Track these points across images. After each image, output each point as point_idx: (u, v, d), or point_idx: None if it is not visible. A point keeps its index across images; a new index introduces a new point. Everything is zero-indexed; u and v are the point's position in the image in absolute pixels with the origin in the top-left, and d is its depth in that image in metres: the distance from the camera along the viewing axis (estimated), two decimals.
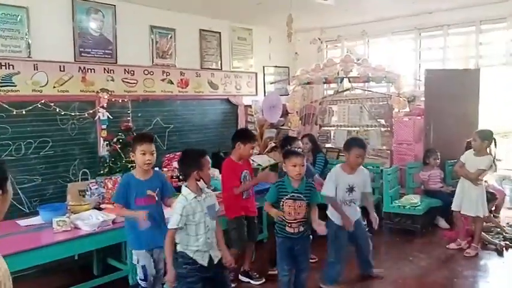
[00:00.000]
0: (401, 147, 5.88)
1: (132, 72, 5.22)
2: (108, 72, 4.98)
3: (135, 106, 5.17)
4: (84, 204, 3.78)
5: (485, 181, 4.64)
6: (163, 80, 5.60)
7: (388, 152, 6.10)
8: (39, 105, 4.34)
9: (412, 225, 5.08)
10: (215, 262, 2.82)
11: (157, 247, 3.06)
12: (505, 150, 5.88)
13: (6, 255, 1.50)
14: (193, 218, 2.72)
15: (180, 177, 4.68)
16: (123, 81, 5.13)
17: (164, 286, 3.25)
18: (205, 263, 2.77)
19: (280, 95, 6.78)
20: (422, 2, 5.67)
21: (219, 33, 6.35)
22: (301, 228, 3.17)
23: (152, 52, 5.48)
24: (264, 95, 7.00)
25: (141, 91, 5.33)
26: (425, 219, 5.14)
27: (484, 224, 4.68)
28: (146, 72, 5.39)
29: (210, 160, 2.89)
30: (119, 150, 4.58)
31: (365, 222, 4.99)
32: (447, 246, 4.61)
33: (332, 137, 6.81)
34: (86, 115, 4.73)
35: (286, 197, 3.13)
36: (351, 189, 3.56)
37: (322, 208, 3.56)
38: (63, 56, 4.59)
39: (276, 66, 7.39)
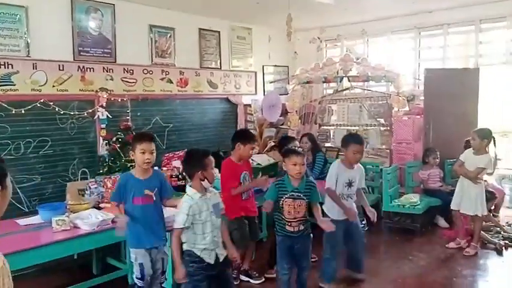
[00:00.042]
0: (400, 146, 5.88)
1: (131, 71, 5.21)
2: (107, 72, 4.97)
3: (134, 105, 5.17)
4: (83, 203, 3.77)
5: (484, 180, 4.64)
6: (162, 79, 5.60)
7: (388, 151, 6.10)
8: (39, 105, 4.34)
9: (411, 225, 5.08)
10: (221, 260, 2.85)
11: (156, 246, 3.06)
12: (504, 149, 5.87)
13: (6, 254, 1.50)
14: (199, 217, 2.75)
15: (180, 176, 4.69)
16: (122, 80, 5.13)
17: (163, 285, 3.26)
18: (212, 261, 2.80)
19: (280, 94, 6.78)
20: (422, 1, 5.67)
21: (219, 32, 6.35)
22: (301, 227, 3.17)
23: (151, 51, 5.48)
24: (264, 94, 6.99)
25: (141, 90, 5.32)
26: (425, 218, 5.14)
27: (484, 223, 4.69)
28: (145, 71, 5.39)
29: (213, 160, 2.92)
30: (118, 150, 4.57)
31: (364, 221, 5.02)
32: (446, 246, 4.62)
33: (331, 136, 6.81)
34: (85, 114, 4.73)
35: (286, 196, 3.13)
36: (349, 184, 3.58)
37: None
38: (62, 55, 4.59)
39: (275, 66, 7.39)
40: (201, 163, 2.81)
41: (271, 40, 7.11)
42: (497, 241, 4.59)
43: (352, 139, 3.60)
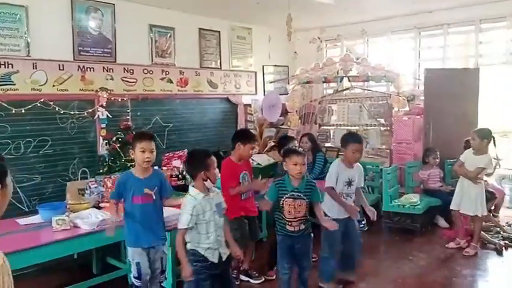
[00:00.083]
0: (400, 146, 5.88)
1: (131, 71, 5.21)
2: (107, 71, 4.97)
3: (134, 105, 5.17)
4: (83, 203, 3.77)
5: (484, 180, 4.64)
6: (162, 79, 5.60)
7: (388, 151, 6.10)
8: (39, 104, 4.34)
9: (411, 225, 5.08)
10: (223, 259, 2.88)
11: (154, 246, 3.06)
12: (504, 149, 5.87)
13: (6, 253, 1.50)
14: (203, 216, 2.78)
15: (180, 176, 4.70)
16: (122, 80, 5.13)
17: (162, 285, 3.26)
18: (215, 260, 2.83)
19: (280, 94, 6.78)
20: (422, 1, 5.67)
21: (219, 32, 6.35)
22: (302, 226, 3.18)
23: (151, 51, 5.48)
24: (264, 94, 6.99)
25: (141, 90, 5.33)
26: (425, 218, 5.14)
27: (484, 223, 4.69)
28: (145, 71, 5.39)
29: (215, 160, 2.94)
30: (118, 149, 4.57)
31: (364, 221, 5.02)
32: (446, 246, 4.62)
33: (331, 136, 6.81)
34: (85, 114, 4.73)
35: (286, 195, 3.14)
36: (349, 183, 3.58)
37: None
38: (63, 54, 4.59)
39: (275, 66, 7.39)
40: (204, 163, 2.83)
41: (271, 40, 7.11)
42: (497, 241, 4.59)
43: (351, 138, 3.60)
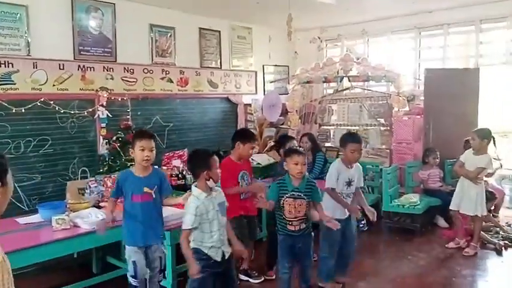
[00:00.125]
0: (400, 146, 5.88)
1: (131, 70, 5.22)
2: (107, 71, 4.98)
3: (134, 104, 5.17)
4: (83, 202, 3.77)
5: (485, 180, 4.64)
6: (162, 78, 5.60)
7: (388, 151, 6.11)
8: (39, 104, 4.35)
9: (411, 224, 5.08)
10: (226, 258, 2.90)
11: (152, 244, 3.06)
12: (504, 149, 5.87)
13: (6, 253, 1.50)
14: (206, 216, 2.79)
15: (180, 175, 4.69)
16: (122, 79, 5.13)
17: (162, 284, 3.26)
18: (219, 258, 2.85)
19: (280, 94, 6.78)
20: (422, 1, 5.67)
21: (219, 32, 6.35)
22: (303, 226, 3.18)
23: (152, 50, 5.49)
24: (264, 93, 7.00)
25: (141, 89, 5.33)
26: (425, 218, 5.14)
27: (483, 223, 4.69)
28: (146, 70, 5.39)
29: (217, 159, 2.95)
30: (118, 149, 4.58)
31: (364, 221, 5.02)
32: (446, 246, 4.62)
33: (331, 136, 6.81)
34: (86, 113, 4.74)
35: (287, 195, 3.14)
36: (349, 183, 3.57)
37: None
38: (63, 54, 4.59)
39: (275, 65, 7.39)
40: (206, 163, 2.84)
41: (272, 40, 7.11)
42: (496, 241, 4.59)
43: (350, 138, 3.60)
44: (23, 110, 4.23)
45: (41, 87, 4.40)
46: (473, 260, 4.29)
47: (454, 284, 3.82)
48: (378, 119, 6.34)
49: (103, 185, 4.07)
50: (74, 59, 4.69)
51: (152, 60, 5.49)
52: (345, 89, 6.74)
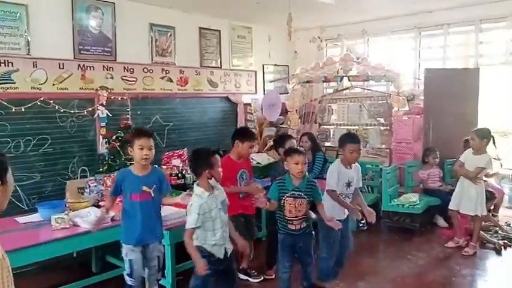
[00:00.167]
0: (400, 146, 5.88)
1: (131, 70, 5.22)
2: (107, 70, 4.98)
3: (134, 104, 5.18)
4: (83, 201, 3.77)
5: (484, 180, 4.64)
6: (162, 78, 5.60)
7: (387, 150, 6.11)
8: (38, 103, 4.35)
9: (410, 224, 5.08)
10: (228, 255, 2.95)
11: (149, 243, 3.05)
12: (504, 149, 5.87)
13: (5, 252, 1.50)
14: (210, 214, 2.82)
15: (180, 175, 4.69)
16: (122, 79, 5.13)
17: (161, 283, 3.26)
18: (221, 255, 2.89)
19: (280, 94, 6.78)
20: (422, 1, 5.67)
21: (219, 31, 6.35)
22: (303, 225, 3.20)
23: (152, 50, 5.49)
24: (264, 93, 7.00)
25: (141, 89, 5.33)
26: (424, 217, 5.14)
27: (483, 223, 4.69)
28: (145, 70, 5.39)
29: (219, 158, 2.98)
30: (118, 148, 4.58)
31: (363, 220, 5.02)
32: (446, 245, 4.62)
33: (331, 136, 6.81)
34: (85, 113, 4.74)
35: (287, 194, 3.16)
36: (348, 184, 3.57)
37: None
38: (63, 53, 4.59)
39: (275, 65, 7.39)
40: (208, 162, 2.87)
41: (272, 39, 7.11)
42: (496, 241, 4.59)
43: (348, 139, 3.60)
44: (23, 109, 4.23)
45: (40, 87, 4.40)
46: (473, 260, 4.30)
47: (454, 283, 3.82)
48: (378, 119, 6.34)
49: (103, 184, 4.07)
50: (74, 58, 4.69)
51: (152, 59, 5.49)
52: (344, 89, 6.74)
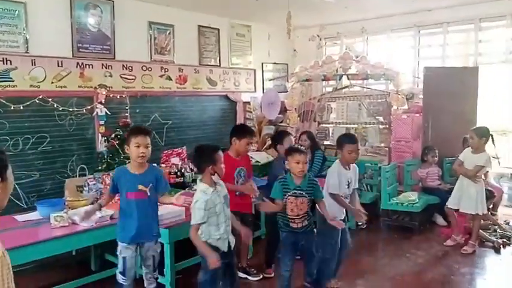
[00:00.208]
0: (399, 144, 5.88)
1: (130, 68, 5.21)
2: (106, 68, 4.97)
3: (133, 102, 5.17)
4: (81, 199, 3.77)
5: (483, 179, 4.65)
6: (161, 76, 5.59)
7: (387, 149, 6.11)
8: (37, 101, 4.34)
9: (409, 222, 5.09)
10: (232, 247, 3.00)
11: (144, 242, 3.04)
12: (503, 148, 5.88)
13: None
14: (214, 210, 2.86)
15: (179, 173, 4.69)
16: (121, 77, 5.12)
17: (159, 280, 3.26)
18: (225, 248, 2.94)
19: (279, 92, 6.78)
20: None
21: (218, 29, 6.34)
22: (305, 223, 3.22)
23: (150, 48, 5.47)
24: (263, 91, 6.99)
25: (139, 87, 5.32)
26: (423, 216, 5.14)
27: (482, 221, 4.70)
28: (144, 68, 5.38)
29: (222, 155, 3.00)
30: (117, 146, 4.57)
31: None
32: (444, 243, 4.63)
33: (330, 134, 6.81)
34: (84, 111, 4.73)
35: (289, 193, 3.18)
36: (348, 185, 3.57)
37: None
38: (61, 51, 4.58)
39: (274, 63, 7.39)
40: (212, 158, 2.89)
41: (271, 37, 7.11)
42: (495, 239, 4.60)
43: (346, 139, 3.59)
44: (22, 107, 4.22)
45: (39, 85, 4.39)
46: (472, 258, 4.30)
47: (453, 282, 3.83)
48: (377, 117, 6.34)
49: (101, 183, 4.06)
50: (73, 56, 4.68)
51: (151, 57, 5.48)
52: (344, 87, 6.74)
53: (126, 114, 5.04)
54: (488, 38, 6.06)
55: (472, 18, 6.01)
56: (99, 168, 4.50)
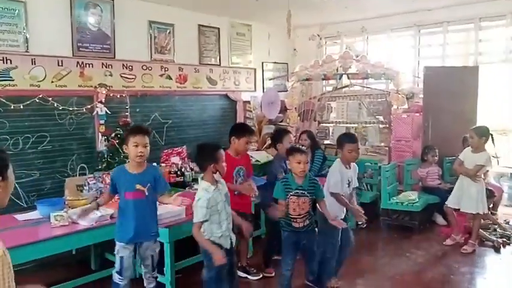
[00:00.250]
0: (399, 143, 5.88)
1: (130, 67, 5.20)
2: (106, 67, 4.96)
3: (133, 101, 5.16)
4: (81, 199, 3.77)
5: (483, 178, 4.65)
6: (161, 75, 5.59)
7: (387, 148, 6.11)
8: (37, 100, 4.33)
9: (409, 222, 5.09)
10: (233, 244, 3.04)
11: (142, 242, 3.04)
12: (503, 147, 5.88)
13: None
14: (216, 208, 2.88)
15: (179, 172, 4.68)
16: (121, 76, 5.12)
17: (158, 279, 3.26)
18: (228, 245, 2.97)
19: (279, 91, 6.77)
20: None
21: (218, 28, 6.33)
22: (307, 222, 3.25)
23: (151, 47, 5.47)
24: (263, 91, 6.99)
25: (140, 86, 5.31)
26: (423, 215, 5.15)
27: (482, 221, 4.70)
28: (144, 67, 5.38)
29: (223, 153, 3.02)
30: (117, 146, 4.56)
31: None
32: (444, 243, 4.63)
33: (331, 134, 6.81)
34: (84, 110, 4.73)
35: (291, 193, 3.20)
36: (348, 184, 3.58)
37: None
38: (61, 50, 4.58)
39: (275, 63, 7.39)
40: (213, 156, 2.91)
41: (271, 37, 7.10)
42: (495, 239, 4.60)
43: (347, 139, 3.60)
44: (22, 107, 4.21)
45: (39, 84, 4.39)
46: (472, 258, 4.31)
47: (452, 281, 3.83)
48: (377, 117, 6.34)
49: (102, 182, 4.07)
50: (73, 55, 4.67)
51: (151, 57, 5.48)
52: (344, 87, 6.74)
53: (126, 113, 5.04)
54: (488, 38, 6.06)
55: (472, 17, 6.00)
56: (99, 167, 4.50)
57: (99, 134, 4.77)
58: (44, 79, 4.42)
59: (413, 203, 5.03)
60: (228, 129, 3.95)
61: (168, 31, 5.64)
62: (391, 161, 5.81)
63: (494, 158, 4.67)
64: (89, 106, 4.75)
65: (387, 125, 6.17)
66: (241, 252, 3.91)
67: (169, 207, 3.47)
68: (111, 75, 4.99)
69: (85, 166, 4.72)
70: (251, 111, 6.70)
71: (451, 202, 4.61)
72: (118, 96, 4.98)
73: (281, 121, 6.85)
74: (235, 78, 6.66)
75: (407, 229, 5.06)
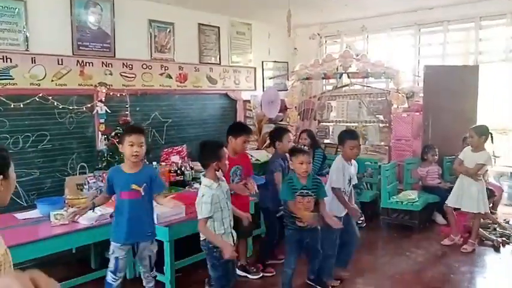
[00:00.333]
0: (399, 143, 5.88)
1: (130, 66, 5.20)
2: (106, 66, 4.96)
3: (133, 100, 5.16)
4: (81, 197, 3.77)
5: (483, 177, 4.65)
6: (161, 74, 5.58)
7: (387, 147, 6.11)
8: (37, 99, 4.33)
9: (409, 221, 5.09)
10: (235, 241, 3.06)
11: (140, 242, 3.03)
12: (503, 146, 5.88)
13: None
14: (219, 205, 2.91)
15: (179, 171, 4.68)
16: (121, 75, 5.12)
17: (157, 278, 3.26)
18: (231, 242, 2.98)
19: (279, 90, 6.77)
20: None
21: (218, 27, 6.33)
22: None
23: (151, 46, 5.46)
24: (263, 90, 6.98)
25: (140, 85, 5.31)
26: (423, 215, 5.15)
27: (482, 220, 4.70)
28: (144, 66, 5.37)
29: (226, 151, 3.05)
30: (117, 144, 4.54)
31: (362, 217, 5.03)
32: (442, 243, 4.62)
33: (331, 133, 6.80)
34: (84, 109, 4.73)
35: (296, 193, 3.22)
36: (350, 180, 3.59)
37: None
38: (61, 49, 4.57)
39: (275, 61, 7.38)
40: (216, 154, 2.93)
41: (271, 36, 7.10)
42: (494, 238, 4.60)
43: (348, 135, 3.61)
44: (22, 105, 4.21)
45: (39, 83, 4.38)
46: (471, 257, 4.31)
47: (452, 280, 3.83)
48: (377, 116, 6.33)
49: (101, 181, 4.06)
50: (73, 54, 4.67)
51: (151, 55, 5.47)
52: (344, 86, 6.74)
53: (126, 112, 5.04)
54: (489, 37, 6.06)
55: (472, 16, 6.00)
56: (99, 166, 4.50)
57: (99, 133, 4.77)
58: (44, 78, 4.41)
59: (413, 202, 5.03)
60: None
61: (168, 30, 5.64)
62: (391, 160, 5.81)
63: (493, 157, 4.67)
64: (89, 105, 4.75)
65: (387, 124, 6.17)
66: (240, 251, 3.91)
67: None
68: (111, 74, 4.99)
69: (85, 165, 4.72)
70: (251, 110, 6.70)
71: (451, 201, 4.61)
72: (118, 95, 4.98)
73: (281, 120, 6.84)
74: (235, 77, 6.65)
75: (407, 228, 5.06)
